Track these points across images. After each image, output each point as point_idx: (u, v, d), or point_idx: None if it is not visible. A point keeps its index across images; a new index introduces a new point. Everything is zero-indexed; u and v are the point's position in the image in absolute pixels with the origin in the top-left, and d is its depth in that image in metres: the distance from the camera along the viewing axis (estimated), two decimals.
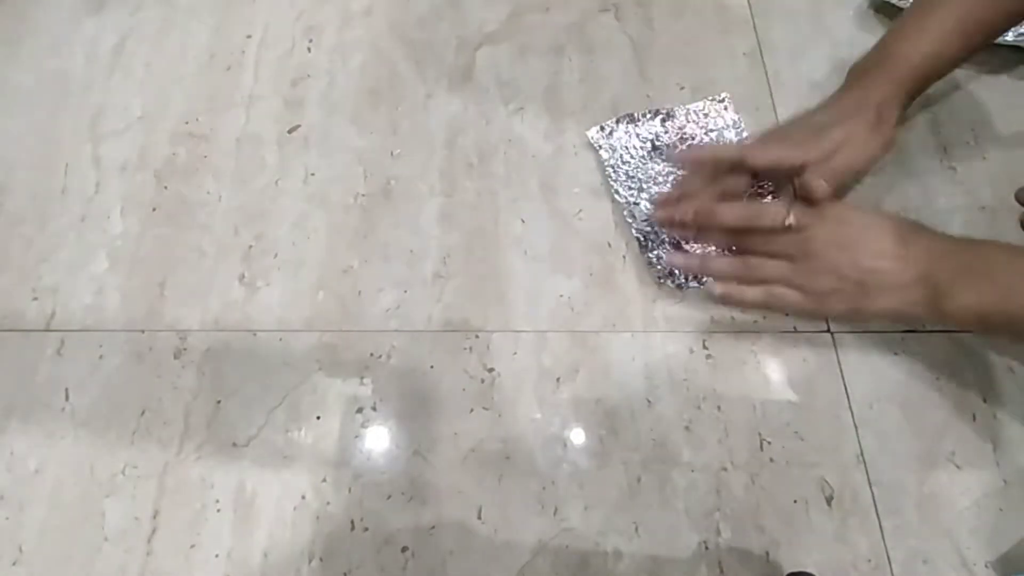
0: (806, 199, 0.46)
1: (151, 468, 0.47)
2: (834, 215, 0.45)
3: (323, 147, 0.58)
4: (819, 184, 0.45)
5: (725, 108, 0.57)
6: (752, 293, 0.47)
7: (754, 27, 0.63)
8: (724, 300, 0.48)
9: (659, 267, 0.51)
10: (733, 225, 0.47)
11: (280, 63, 0.62)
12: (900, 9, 0.60)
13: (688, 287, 0.51)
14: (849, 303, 0.45)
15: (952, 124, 0.58)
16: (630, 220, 0.53)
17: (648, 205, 0.53)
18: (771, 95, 0.59)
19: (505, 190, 0.56)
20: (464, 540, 0.44)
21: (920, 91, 0.51)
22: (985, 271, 0.41)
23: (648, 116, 0.57)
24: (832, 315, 0.48)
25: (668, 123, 0.57)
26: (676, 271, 0.51)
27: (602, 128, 0.57)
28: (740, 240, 0.48)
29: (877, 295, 0.44)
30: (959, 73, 0.59)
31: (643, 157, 0.56)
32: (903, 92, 0.49)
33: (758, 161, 0.48)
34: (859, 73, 0.51)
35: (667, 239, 0.52)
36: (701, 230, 0.49)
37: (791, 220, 0.44)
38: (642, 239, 0.52)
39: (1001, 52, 0.59)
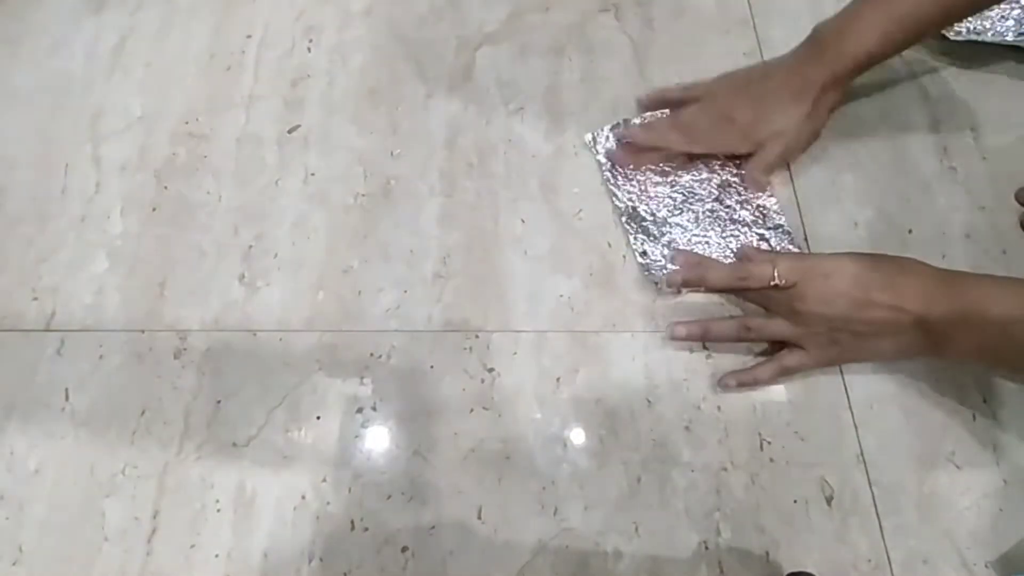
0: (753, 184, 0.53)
1: (151, 468, 0.47)
2: (820, 270, 0.45)
3: (323, 147, 0.58)
4: (762, 182, 0.53)
5: None
6: (765, 373, 0.47)
7: (754, 27, 0.63)
8: (740, 387, 0.48)
9: (655, 273, 0.51)
10: (721, 288, 0.50)
11: (280, 63, 0.62)
12: None
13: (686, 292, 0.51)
14: (849, 354, 0.47)
15: (952, 124, 0.58)
16: (628, 228, 0.53)
17: (646, 210, 0.53)
18: None
19: (505, 190, 0.56)
20: (464, 540, 0.44)
21: (868, 68, 0.51)
22: (978, 311, 0.41)
23: (644, 119, 0.57)
24: (835, 364, 0.48)
25: None
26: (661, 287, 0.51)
27: (594, 138, 0.57)
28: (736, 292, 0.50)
29: (875, 343, 0.45)
30: (959, 73, 0.60)
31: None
32: (852, 72, 0.50)
33: (695, 151, 0.54)
34: (819, 41, 0.51)
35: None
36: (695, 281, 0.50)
37: (777, 280, 0.45)
38: (640, 246, 0.52)
39: (1001, 52, 0.59)
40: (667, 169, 0.55)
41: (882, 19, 0.48)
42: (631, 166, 0.55)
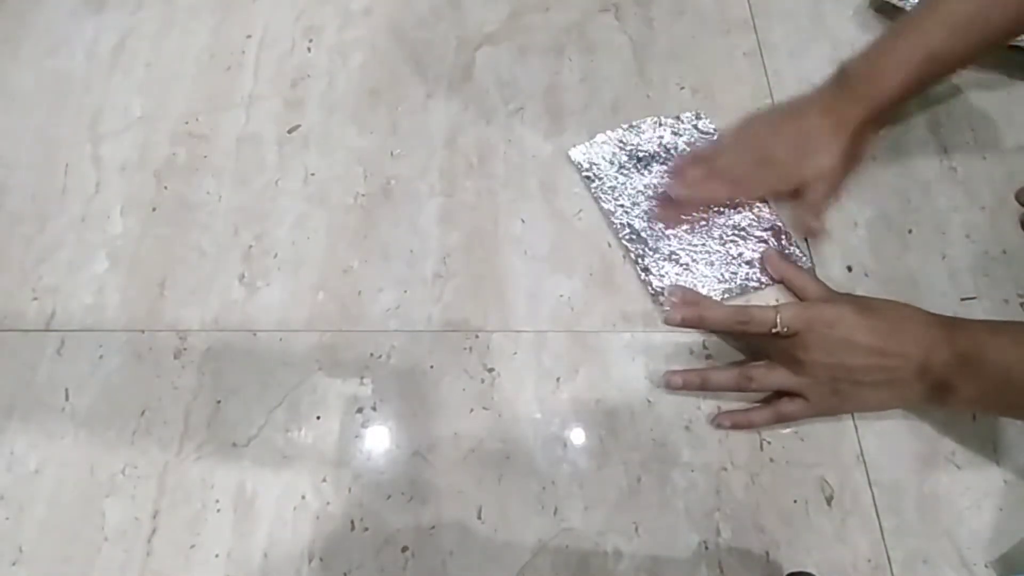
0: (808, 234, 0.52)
1: (151, 468, 0.47)
2: (824, 319, 0.44)
3: (323, 147, 0.58)
4: (817, 227, 0.52)
5: (696, 127, 0.58)
6: (760, 417, 0.47)
7: (754, 27, 0.63)
8: (735, 428, 0.47)
9: (656, 285, 0.51)
10: (720, 330, 0.49)
11: (280, 63, 0.62)
12: (900, 9, 0.60)
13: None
14: (850, 404, 0.46)
15: (952, 124, 0.58)
16: (627, 241, 0.53)
17: (642, 223, 0.53)
18: (771, 95, 0.59)
19: (505, 190, 0.56)
20: (464, 540, 0.44)
21: (905, 103, 0.51)
22: (978, 359, 0.41)
23: (623, 130, 0.57)
24: (835, 415, 0.47)
25: (642, 135, 0.57)
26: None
27: (580, 152, 0.56)
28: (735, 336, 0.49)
29: (877, 392, 0.44)
30: (959, 73, 0.59)
31: (621, 169, 0.55)
32: (888, 108, 0.49)
33: (737, 197, 0.53)
34: (849, 80, 0.50)
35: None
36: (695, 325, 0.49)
37: (779, 328, 0.44)
38: (641, 262, 0.52)
39: (1001, 52, 0.59)
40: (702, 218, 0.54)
41: (913, 55, 0.48)
42: (674, 225, 0.53)
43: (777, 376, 0.46)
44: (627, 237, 0.53)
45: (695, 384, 0.48)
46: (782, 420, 0.46)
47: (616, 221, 0.53)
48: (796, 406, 0.46)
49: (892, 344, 0.43)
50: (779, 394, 0.47)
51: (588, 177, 0.55)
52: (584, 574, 0.43)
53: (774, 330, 0.44)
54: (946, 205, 0.54)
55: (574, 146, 0.57)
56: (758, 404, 0.47)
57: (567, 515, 0.45)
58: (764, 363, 0.46)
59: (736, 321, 0.46)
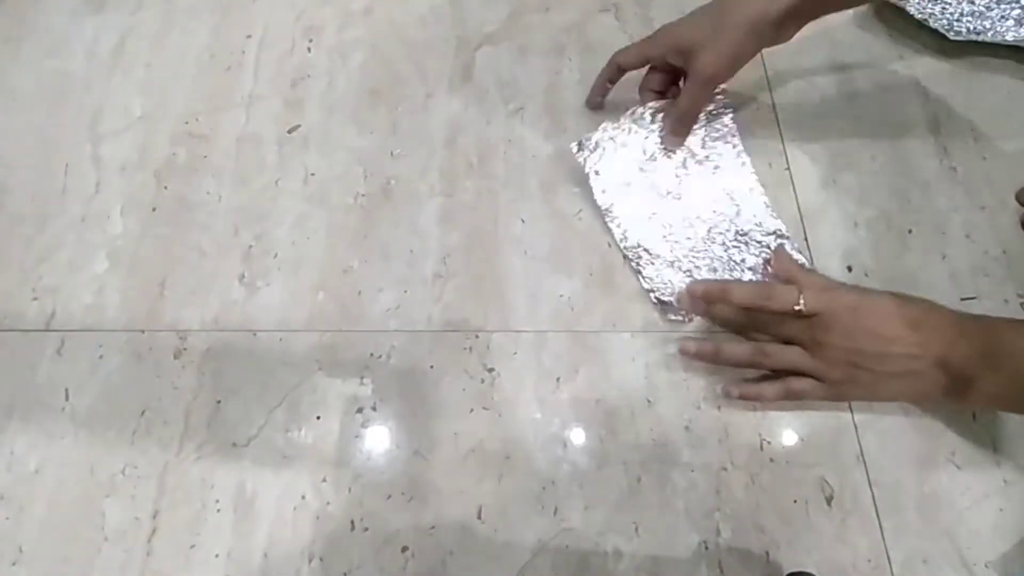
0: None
1: (151, 468, 0.47)
2: (847, 302, 0.44)
3: (323, 147, 0.58)
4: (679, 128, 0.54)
5: (724, 107, 0.57)
6: (770, 390, 0.46)
7: None
8: (743, 399, 0.47)
9: (657, 295, 0.51)
10: (744, 304, 0.47)
11: (280, 63, 0.62)
12: (900, 10, 0.60)
13: (688, 319, 0.50)
14: (864, 391, 0.45)
15: (952, 124, 0.58)
16: (629, 254, 0.52)
17: (643, 231, 0.53)
18: (771, 95, 0.59)
19: (505, 190, 0.56)
20: (464, 540, 0.44)
21: (799, 18, 0.50)
22: (999, 356, 0.41)
23: (631, 118, 0.56)
24: (848, 400, 0.47)
25: (651, 131, 0.56)
26: (674, 303, 0.50)
27: (580, 146, 0.54)
28: (752, 320, 0.48)
29: (892, 382, 0.44)
30: (959, 73, 0.60)
31: (622, 172, 0.54)
32: (783, 14, 0.48)
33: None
34: None
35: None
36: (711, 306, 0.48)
37: (801, 306, 0.44)
38: (641, 270, 0.52)
39: (1001, 52, 0.59)
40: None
41: None
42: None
43: (794, 354, 0.45)
44: (628, 245, 0.53)
45: (709, 353, 0.47)
46: (791, 397, 0.46)
47: (617, 230, 0.53)
48: (808, 384, 0.45)
49: (913, 334, 0.42)
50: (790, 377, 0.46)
51: (589, 173, 0.54)
52: (584, 574, 0.43)
53: (796, 308, 0.44)
54: (946, 205, 0.54)
55: (573, 147, 0.56)
56: (768, 378, 0.47)
57: (567, 515, 0.45)
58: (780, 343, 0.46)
59: (760, 296, 0.45)
